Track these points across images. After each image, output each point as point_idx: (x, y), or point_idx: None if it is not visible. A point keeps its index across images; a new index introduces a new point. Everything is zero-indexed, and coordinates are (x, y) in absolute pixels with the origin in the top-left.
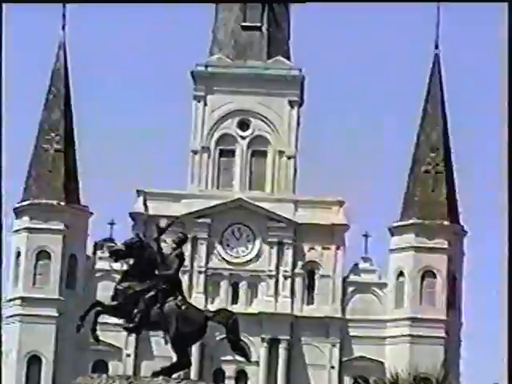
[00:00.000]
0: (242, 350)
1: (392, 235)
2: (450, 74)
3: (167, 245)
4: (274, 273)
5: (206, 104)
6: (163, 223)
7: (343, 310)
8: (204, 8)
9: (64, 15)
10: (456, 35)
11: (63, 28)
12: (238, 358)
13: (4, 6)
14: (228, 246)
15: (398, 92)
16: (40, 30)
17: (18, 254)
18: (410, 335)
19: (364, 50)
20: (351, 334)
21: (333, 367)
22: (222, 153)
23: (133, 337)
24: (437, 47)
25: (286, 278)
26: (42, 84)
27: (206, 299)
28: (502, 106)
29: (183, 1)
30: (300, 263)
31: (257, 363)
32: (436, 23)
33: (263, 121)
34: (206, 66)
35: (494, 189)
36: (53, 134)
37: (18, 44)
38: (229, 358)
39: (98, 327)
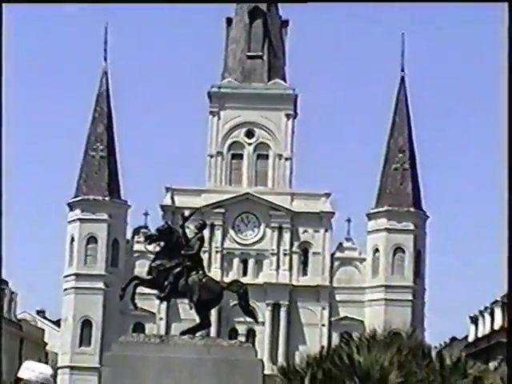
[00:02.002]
0: (251, 313)
1: (369, 220)
2: (413, 91)
3: (190, 230)
4: (275, 251)
5: (219, 118)
6: (187, 213)
7: (331, 280)
8: (216, 43)
9: (105, 50)
10: (418, 60)
11: (105, 60)
12: (248, 319)
13: (6, 6)
14: (239, 230)
15: (372, 106)
16: (86, 62)
17: (72, 240)
18: (384, 299)
19: (345, 73)
20: (337, 298)
21: (323, 325)
22: (232, 156)
23: (164, 304)
24: (403, 70)
25: (285, 255)
26: (89, 104)
27: (222, 273)
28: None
29: (202, 18)
30: (296, 243)
31: (263, 323)
32: (401, 52)
33: (265, 130)
34: (219, 88)
35: (452, 181)
36: (98, 144)
37: (68, 73)
38: (241, 319)
39: (136, 296)
